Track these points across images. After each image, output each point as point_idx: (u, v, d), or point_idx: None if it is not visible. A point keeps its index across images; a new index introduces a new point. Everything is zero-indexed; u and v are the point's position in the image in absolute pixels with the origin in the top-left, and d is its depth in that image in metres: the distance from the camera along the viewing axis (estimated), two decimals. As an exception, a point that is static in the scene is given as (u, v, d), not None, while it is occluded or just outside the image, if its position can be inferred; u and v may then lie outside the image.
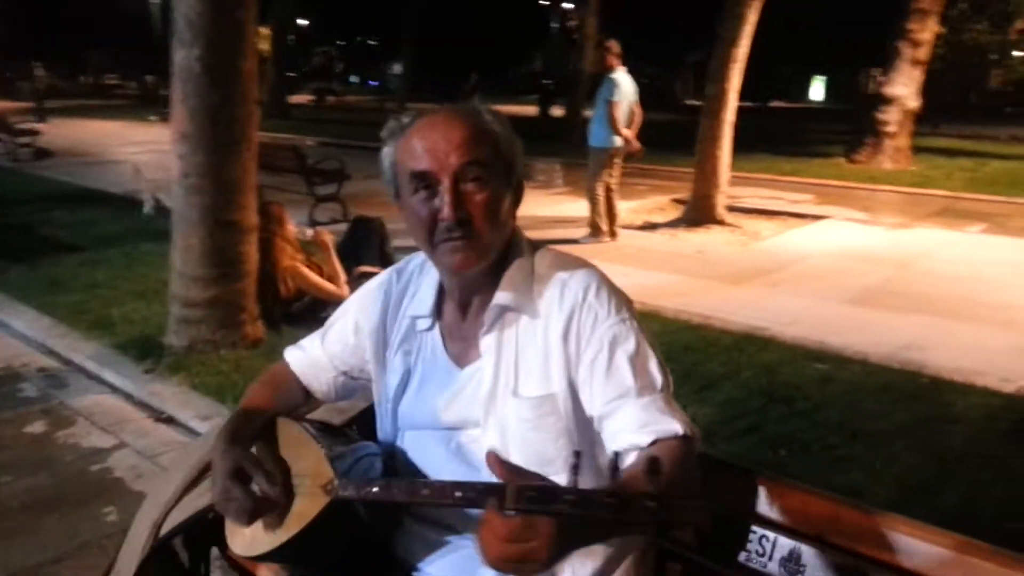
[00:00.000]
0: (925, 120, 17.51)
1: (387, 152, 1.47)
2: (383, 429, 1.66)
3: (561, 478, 1.37)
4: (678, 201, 10.58)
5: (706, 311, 5.72)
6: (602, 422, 1.39)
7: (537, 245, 1.55)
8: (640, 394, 1.36)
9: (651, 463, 1.04)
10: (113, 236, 7.97)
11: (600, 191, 8.19)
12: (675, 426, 1.33)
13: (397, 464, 1.59)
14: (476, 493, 1.16)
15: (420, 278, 1.61)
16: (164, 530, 1.73)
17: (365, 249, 5.59)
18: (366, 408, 1.98)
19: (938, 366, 4.76)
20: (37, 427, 4.08)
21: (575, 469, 1.07)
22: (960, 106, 25.34)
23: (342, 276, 5.24)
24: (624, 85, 7.91)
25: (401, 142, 1.43)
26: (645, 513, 0.99)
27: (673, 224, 9.38)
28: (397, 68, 38.68)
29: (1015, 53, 16.55)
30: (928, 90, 15.14)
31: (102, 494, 3.45)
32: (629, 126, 8.03)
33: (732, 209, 9.65)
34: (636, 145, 8.11)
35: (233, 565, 1.78)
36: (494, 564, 1.07)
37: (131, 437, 3.99)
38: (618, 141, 7.96)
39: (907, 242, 8.74)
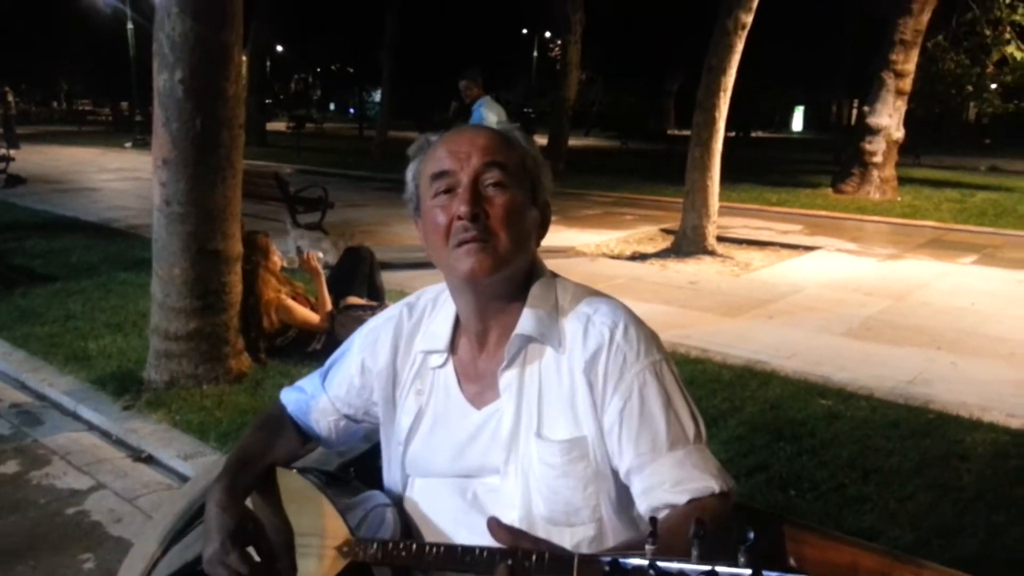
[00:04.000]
0: (907, 151, 17.67)
1: (411, 168, 1.39)
2: (390, 476, 1.52)
3: (588, 529, 1.31)
4: (667, 231, 10.52)
5: (703, 344, 5.60)
6: (631, 476, 1.28)
7: (557, 276, 1.44)
8: (673, 447, 1.26)
9: (699, 526, 0.92)
10: (88, 266, 7.75)
11: None
12: (711, 483, 1.25)
13: (408, 516, 1.45)
14: (532, 563, 1.02)
15: (434, 312, 1.49)
16: None
17: (354, 280, 5.42)
18: (367, 450, 1.85)
19: (944, 401, 4.67)
20: (10, 467, 3.87)
21: (654, 536, 0.92)
22: (939, 138, 25.71)
23: (328, 305, 5.07)
24: (490, 114, 7.91)
25: (426, 156, 1.36)
26: None
27: (663, 254, 9.29)
28: (376, 95, 38.85)
29: (992, 86, 16.72)
30: (909, 122, 15.27)
31: (79, 540, 3.26)
32: None
33: (722, 239, 9.61)
34: None
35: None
36: None
37: (109, 478, 3.79)
38: None
39: (900, 273, 8.69)
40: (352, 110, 54.82)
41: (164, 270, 4.44)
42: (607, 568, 0.92)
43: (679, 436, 1.27)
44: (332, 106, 61.13)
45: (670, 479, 1.24)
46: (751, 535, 0.87)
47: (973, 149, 28.82)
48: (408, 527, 1.44)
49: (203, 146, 4.23)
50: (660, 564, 0.89)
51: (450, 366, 1.42)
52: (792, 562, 1.44)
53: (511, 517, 1.31)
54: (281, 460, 1.49)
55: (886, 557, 1.39)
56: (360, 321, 4.97)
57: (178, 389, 4.51)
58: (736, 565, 0.86)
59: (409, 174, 1.39)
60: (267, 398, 4.45)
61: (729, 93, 8.75)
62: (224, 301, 4.57)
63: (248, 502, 1.38)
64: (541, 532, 1.29)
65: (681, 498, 1.23)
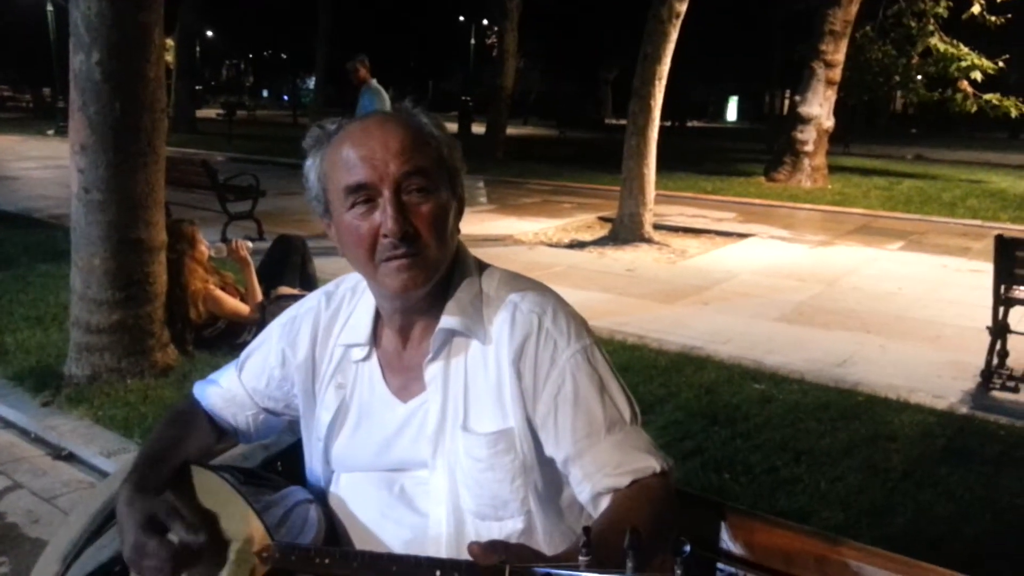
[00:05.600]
0: (837, 141, 18.08)
1: (311, 164, 1.29)
2: (312, 471, 1.46)
3: (516, 522, 1.27)
4: (604, 219, 10.57)
5: (640, 331, 5.62)
6: (570, 464, 1.25)
7: (483, 264, 1.39)
8: (610, 430, 1.24)
9: (633, 537, 0.89)
10: (6, 257, 7.42)
11: None
12: (652, 463, 1.22)
13: (332, 511, 1.40)
14: (463, 573, 0.98)
15: (352, 302, 1.42)
16: None
17: (285, 269, 5.29)
18: (293, 443, 1.78)
19: (872, 383, 4.78)
20: (-83, 468, 3.68)
21: (588, 547, 0.88)
22: (868, 128, 26.38)
23: (258, 295, 4.93)
24: (377, 101, 8.24)
25: (329, 152, 1.26)
26: None
27: (601, 242, 9.32)
28: (311, 82, 38.12)
29: (918, 76, 17.18)
30: (839, 111, 15.61)
31: (-8, 543, 3.11)
32: None
33: (658, 227, 9.68)
34: None
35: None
36: None
37: (26, 477, 3.63)
38: None
39: (831, 259, 8.88)
40: (286, 97, 53.84)
41: (84, 260, 4.25)
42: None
43: (616, 419, 1.24)
44: (265, 93, 59.94)
45: (611, 462, 1.22)
46: (687, 548, 0.84)
47: (900, 138, 29.69)
48: (332, 523, 1.38)
49: (123, 131, 4.05)
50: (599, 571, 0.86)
51: (374, 359, 1.37)
52: (734, 548, 1.43)
53: (439, 512, 1.28)
54: (195, 457, 1.41)
55: (827, 541, 1.39)
56: (293, 311, 4.89)
57: (100, 384, 4.34)
58: None
59: (311, 173, 1.29)
60: (195, 392, 4.31)
61: (664, 81, 8.80)
62: (148, 292, 4.41)
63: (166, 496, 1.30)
64: (469, 527, 1.26)
65: (623, 480, 1.21)
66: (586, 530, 0.92)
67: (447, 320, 1.28)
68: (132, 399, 4.22)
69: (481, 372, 1.27)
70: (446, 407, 1.28)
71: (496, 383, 1.26)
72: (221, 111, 29.39)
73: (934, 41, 15.19)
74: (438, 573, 1.00)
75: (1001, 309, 4.79)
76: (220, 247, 5.10)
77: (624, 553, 0.86)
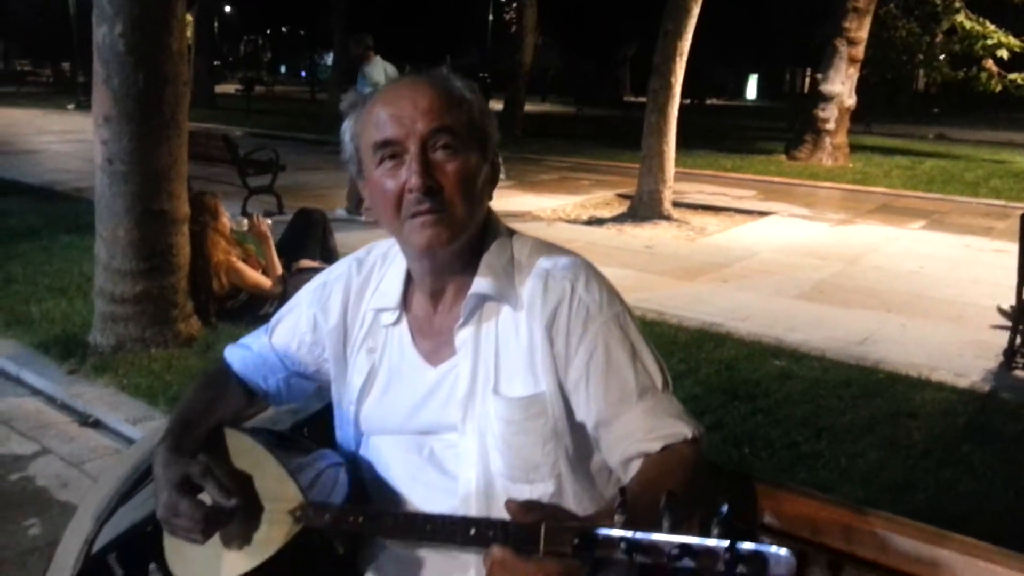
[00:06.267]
0: (858, 119, 17.87)
1: (347, 126, 1.31)
2: (343, 434, 1.48)
3: (547, 486, 1.27)
4: (623, 196, 10.52)
5: (659, 307, 5.61)
6: (600, 428, 1.26)
7: (514, 231, 1.39)
8: (642, 396, 1.24)
9: (670, 499, 0.89)
10: (30, 229, 7.49)
11: None
12: (683, 429, 1.23)
13: (362, 474, 1.41)
14: (498, 532, 0.98)
15: (384, 268, 1.43)
16: (97, 546, 1.51)
17: (307, 243, 5.31)
18: (321, 408, 1.79)
19: (893, 361, 4.75)
20: (-53, 434, 3.74)
21: (624, 508, 0.88)
22: (890, 106, 26.05)
23: (278, 269, 4.96)
24: (374, 74, 8.27)
25: (362, 114, 1.27)
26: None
27: (619, 219, 9.29)
28: (328, 58, 37.92)
29: (942, 56, 16.93)
30: (861, 89, 15.41)
31: (23, 505, 3.17)
32: None
33: (677, 204, 9.62)
34: None
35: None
36: None
37: (54, 443, 3.69)
38: None
39: (852, 238, 8.81)
40: (303, 73, 53.71)
41: (108, 231, 4.29)
42: (576, 540, 0.88)
43: (647, 385, 1.25)
44: (283, 69, 59.82)
45: (642, 428, 1.22)
46: (725, 508, 0.84)
47: (922, 118, 29.28)
48: (362, 486, 1.40)
49: (146, 103, 4.07)
50: (634, 536, 0.86)
51: (404, 323, 1.37)
52: (767, 518, 1.43)
53: (468, 475, 1.29)
54: (227, 419, 1.44)
55: (854, 511, 1.39)
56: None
57: (125, 353, 4.39)
58: (710, 537, 0.84)
59: (346, 134, 1.31)
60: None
61: (685, 58, 8.72)
62: (171, 263, 4.44)
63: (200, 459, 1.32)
64: (500, 489, 1.27)
65: (655, 445, 1.21)
66: (622, 491, 0.93)
67: (479, 285, 1.28)
68: (156, 368, 4.27)
69: (513, 337, 1.28)
70: (476, 371, 1.28)
71: (528, 348, 1.26)
72: (240, 87, 29.34)
73: (960, 18, 14.94)
74: (473, 531, 1.01)
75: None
76: (242, 221, 5.12)
77: (660, 513, 0.87)
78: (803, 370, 4.56)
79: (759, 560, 0.81)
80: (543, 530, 0.94)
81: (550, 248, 1.36)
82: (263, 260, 5.11)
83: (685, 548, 0.82)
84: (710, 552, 0.81)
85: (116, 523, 1.56)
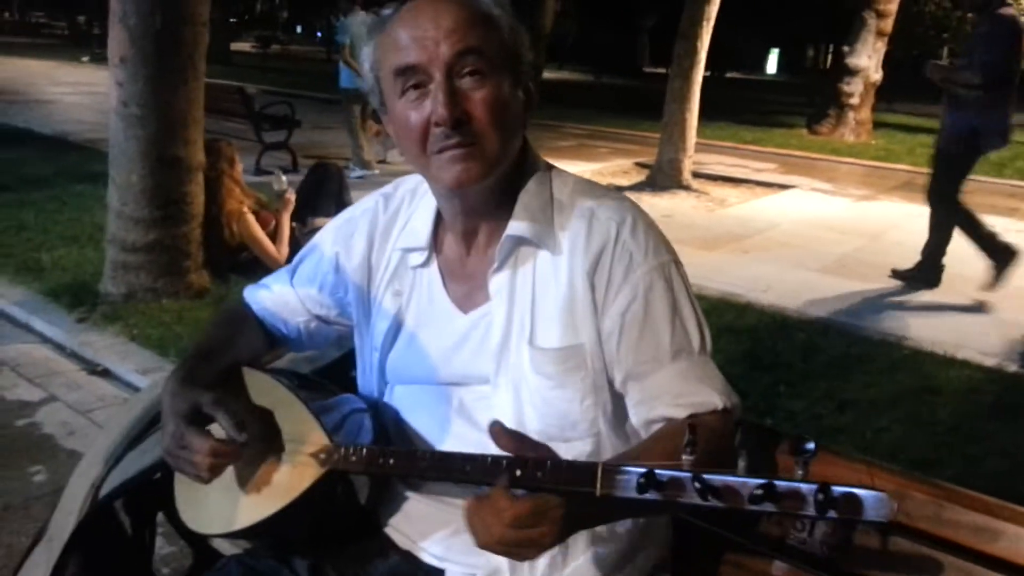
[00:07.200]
0: (880, 96, 17.58)
1: (367, 53, 1.17)
2: (365, 382, 1.38)
3: (585, 444, 1.19)
4: (641, 165, 10.38)
5: (679, 274, 5.51)
6: (628, 383, 1.17)
7: (555, 168, 1.27)
8: (675, 357, 1.14)
9: (691, 430, 0.85)
10: (42, 178, 7.42)
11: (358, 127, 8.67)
12: (714, 398, 1.14)
13: (387, 424, 1.32)
14: (547, 473, 0.92)
15: (412, 205, 1.33)
16: (104, 491, 1.45)
17: (322, 198, 5.22)
18: (339, 357, 1.71)
19: (918, 338, 4.66)
20: (-45, 378, 3.69)
21: (692, 446, 0.80)
22: (912, 84, 25.63)
23: (285, 237, 4.85)
24: (352, 25, 8.31)
25: (382, 37, 1.14)
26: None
27: (638, 188, 9.15)
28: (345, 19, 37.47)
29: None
30: (886, 65, 15.13)
31: (29, 451, 3.12)
32: None
33: (697, 175, 9.47)
34: None
35: (183, 532, 1.49)
36: (490, 547, 0.94)
37: (62, 390, 3.63)
38: (359, 81, 8.12)
39: (874, 214, 8.66)
40: (319, 33, 53.24)
41: (122, 177, 4.20)
42: (641, 479, 0.80)
43: (683, 345, 1.15)
44: (299, 29, 59.33)
45: (671, 391, 1.13)
46: (811, 445, 0.81)
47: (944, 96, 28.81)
48: (386, 435, 1.31)
49: (163, 44, 3.96)
50: (705, 476, 0.77)
51: (434, 265, 1.28)
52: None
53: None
54: (244, 359, 1.35)
55: (905, 478, 1.36)
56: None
57: (136, 303, 4.33)
58: (795, 480, 0.76)
59: (366, 62, 1.18)
60: (230, 315, 4.28)
61: (712, 23, 8.53)
62: (185, 212, 4.36)
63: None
64: None
65: (680, 412, 1.12)
66: (692, 427, 0.85)
67: (515, 227, 1.18)
68: (167, 319, 4.20)
69: (552, 284, 1.18)
70: (511, 320, 1.18)
71: (568, 296, 1.17)
72: (256, 44, 29.17)
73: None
74: (519, 472, 0.93)
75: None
76: (282, 179, 5.02)
77: (736, 453, 0.81)
78: (826, 343, 4.47)
79: (853, 503, 0.73)
80: (600, 470, 0.87)
81: (594, 187, 1.25)
82: (272, 213, 5.01)
83: (769, 489, 0.74)
84: (798, 494, 0.73)
85: (124, 468, 1.49)
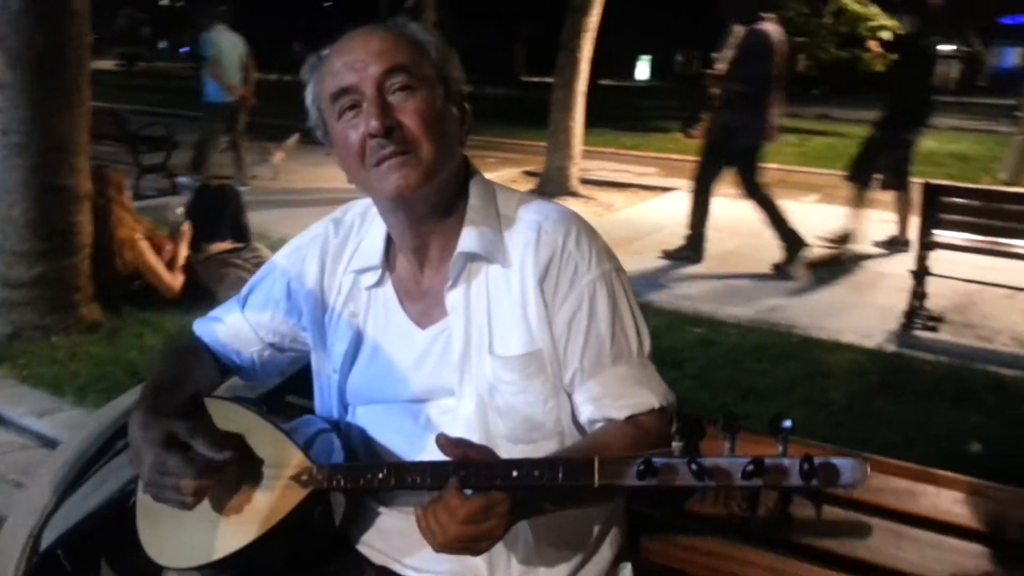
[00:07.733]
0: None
1: (309, 90, 1.24)
2: (323, 405, 1.41)
3: (551, 444, 1.26)
4: (530, 173, 10.52)
5: (578, 279, 5.65)
6: (574, 384, 1.25)
7: (497, 185, 1.34)
8: (615, 362, 1.24)
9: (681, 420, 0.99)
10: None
11: (221, 144, 8.82)
12: (651, 399, 1.24)
13: (353, 443, 1.34)
14: (545, 471, 0.99)
15: (362, 229, 1.37)
16: (45, 541, 1.42)
17: (217, 222, 5.04)
18: (280, 383, 1.72)
19: (804, 325, 4.95)
20: None
21: (682, 434, 0.88)
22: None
23: (180, 262, 4.72)
24: (218, 40, 8.45)
25: (321, 72, 1.21)
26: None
27: (528, 196, 9.26)
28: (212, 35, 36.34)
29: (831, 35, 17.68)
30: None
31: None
32: (247, 79, 8.60)
33: (584, 182, 9.69)
34: (248, 96, 8.66)
35: (128, 576, 1.47)
36: (448, 546, 1.02)
37: (-49, 441, 3.41)
38: (226, 95, 8.38)
39: (751, 211, 9.05)
40: (187, 48, 51.52)
41: (3, 209, 4.00)
42: (640, 467, 0.86)
43: (623, 350, 1.24)
44: (163, 45, 57.15)
45: (611, 394, 1.22)
46: (787, 424, 0.90)
47: (802, 99, 30.41)
48: (354, 455, 1.33)
49: (46, 67, 3.80)
50: (699, 460, 0.85)
51: (388, 285, 1.32)
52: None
53: (470, 439, 1.25)
54: (204, 391, 1.36)
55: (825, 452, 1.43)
56: (227, 264, 4.70)
57: (23, 342, 4.13)
58: (778, 456, 0.85)
59: (308, 98, 1.25)
60: (128, 348, 4.13)
61: (592, 34, 8.77)
62: (72, 243, 4.18)
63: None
64: (502, 451, 1.24)
65: (620, 413, 1.22)
66: (683, 417, 0.92)
67: (466, 243, 1.23)
68: (60, 356, 4.02)
69: (505, 295, 1.24)
70: (470, 332, 1.24)
71: (521, 305, 1.23)
72: (120, 62, 27.91)
73: (847, 0, 15.62)
74: (536, 473, 0.99)
75: (924, 253, 4.99)
76: (177, 212, 4.90)
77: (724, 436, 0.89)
78: (722, 337, 4.69)
79: (831, 471, 0.81)
80: (596, 463, 0.95)
81: (538, 200, 1.32)
82: (166, 238, 4.87)
83: (758, 465, 0.82)
84: (781, 468, 0.82)
85: (66, 516, 1.46)
